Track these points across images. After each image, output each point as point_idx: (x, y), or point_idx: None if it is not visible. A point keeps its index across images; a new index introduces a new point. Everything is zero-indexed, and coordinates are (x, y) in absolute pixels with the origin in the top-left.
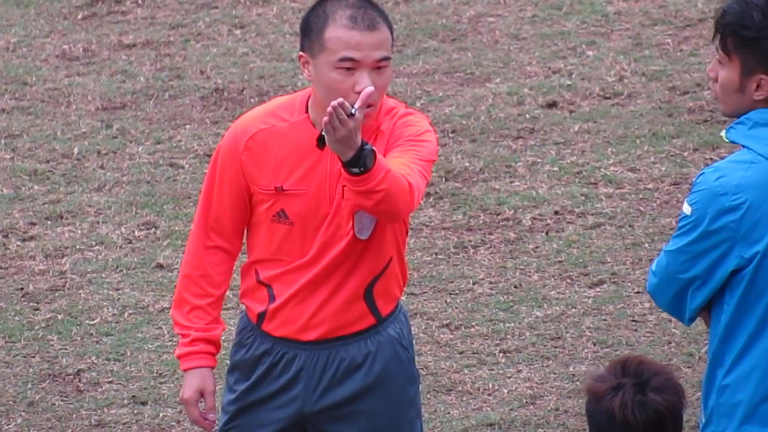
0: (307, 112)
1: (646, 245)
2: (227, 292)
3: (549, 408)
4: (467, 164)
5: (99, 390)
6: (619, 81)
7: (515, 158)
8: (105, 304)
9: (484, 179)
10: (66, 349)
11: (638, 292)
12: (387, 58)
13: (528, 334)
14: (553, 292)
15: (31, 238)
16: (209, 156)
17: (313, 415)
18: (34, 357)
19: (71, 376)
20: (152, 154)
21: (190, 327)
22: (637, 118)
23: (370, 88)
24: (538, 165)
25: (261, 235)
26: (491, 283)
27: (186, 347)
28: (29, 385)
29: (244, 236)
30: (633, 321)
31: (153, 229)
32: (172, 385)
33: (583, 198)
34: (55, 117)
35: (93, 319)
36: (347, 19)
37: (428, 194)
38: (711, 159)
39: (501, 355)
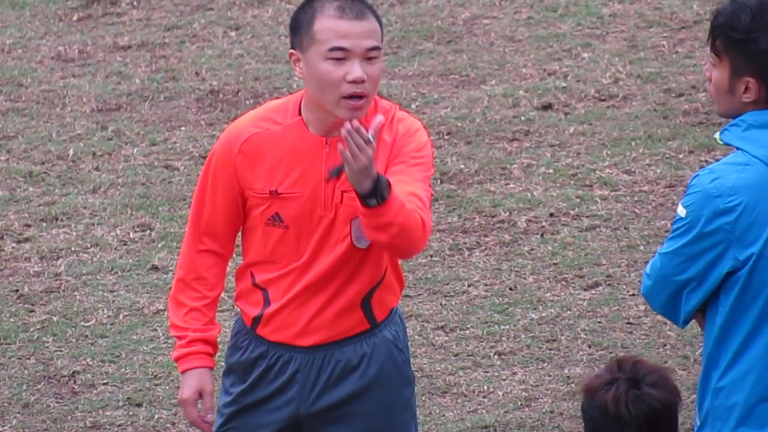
0: (300, 114)
1: (642, 247)
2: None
3: (544, 410)
4: (462, 166)
5: (94, 392)
6: (614, 83)
7: (510, 160)
8: (100, 305)
9: (479, 181)
10: (61, 350)
11: (633, 295)
12: (377, 48)
13: (523, 336)
14: (548, 294)
15: (26, 239)
16: (204, 158)
17: (309, 417)
18: (29, 359)
19: (66, 378)
20: (147, 156)
21: (187, 328)
22: (633, 120)
23: (381, 117)
24: (534, 167)
25: (256, 239)
26: (486, 285)
27: (184, 348)
28: (24, 387)
29: (237, 239)
30: (628, 323)
31: (148, 231)
32: (167, 387)
33: (578, 200)
34: (50, 118)
35: (88, 321)
36: (335, 9)
37: None
38: (706, 161)
39: (496, 357)
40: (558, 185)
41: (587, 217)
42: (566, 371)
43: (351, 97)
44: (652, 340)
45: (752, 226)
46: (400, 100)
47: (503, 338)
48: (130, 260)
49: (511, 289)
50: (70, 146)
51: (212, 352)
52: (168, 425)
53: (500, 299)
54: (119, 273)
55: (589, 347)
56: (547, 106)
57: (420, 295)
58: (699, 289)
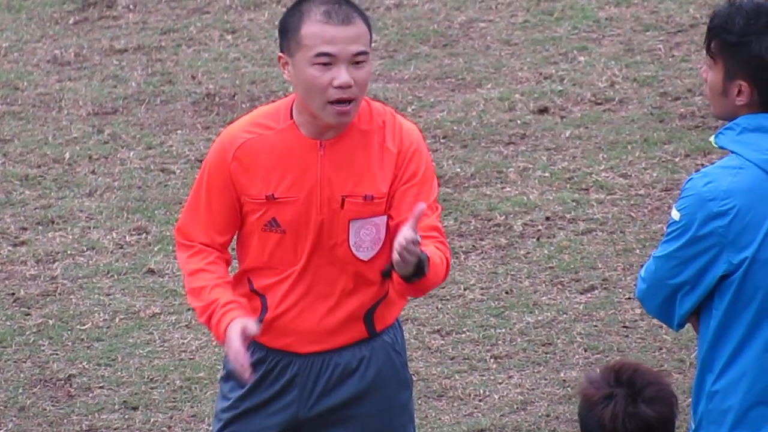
0: (292, 118)
1: (638, 251)
2: None
3: (540, 414)
4: (458, 170)
5: (90, 395)
6: (610, 87)
7: (506, 164)
8: (96, 309)
9: (475, 185)
10: (57, 354)
11: (629, 298)
12: (364, 53)
13: (519, 339)
14: (544, 297)
15: (22, 243)
16: (200, 161)
17: (308, 420)
18: (25, 362)
19: (62, 381)
20: (143, 160)
21: (215, 300)
22: (629, 123)
23: (423, 205)
24: (530, 171)
25: (252, 244)
26: (482, 288)
27: (219, 311)
28: (20, 390)
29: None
30: (624, 327)
31: (144, 235)
32: (163, 391)
33: (574, 204)
34: (46, 122)
35: (84, 325)
36: (321, 14)
37: None
38: (702, 165)
39: (492, 360)
40: (554, 189)
41: (583, 220)
42: (562, 375)
43: (338, 102)
44: (648, 344)
45: (746, 229)
46: (396, 103)
47: (499, 342)
48: (126, 263)
49: (507, 292)
50: (66, 149)
51: (250, 313)
52: (164, 429)
53: (496, 303)
54: (115, 276)
55: (585, 351)
56: (543, 110)
57: (416, 298)
58: (693, 292)
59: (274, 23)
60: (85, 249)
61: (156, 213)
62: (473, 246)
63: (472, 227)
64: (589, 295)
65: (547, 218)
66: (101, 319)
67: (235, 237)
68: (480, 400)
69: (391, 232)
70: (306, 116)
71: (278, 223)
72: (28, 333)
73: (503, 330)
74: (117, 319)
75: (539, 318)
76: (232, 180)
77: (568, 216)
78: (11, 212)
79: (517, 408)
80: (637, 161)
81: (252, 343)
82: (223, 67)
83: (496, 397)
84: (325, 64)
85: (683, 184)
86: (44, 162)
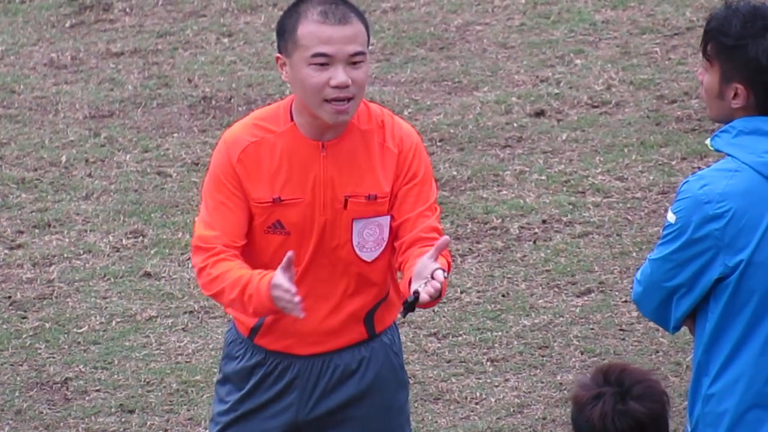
0: (292, 119)
1: (634, 254)
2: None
3: (536, 417)
4: (455, 173)
5: (86, 398)
6: (606, 90)
7: (503, 167)
8: (92, 312)
9: (471, 188)
10: (53, 357)
11: (626, 301)
12: (361, 53)
13: (515, 342)
14: (540, 300)
15: (19, 246)
16: (197, 164)
17: (308, 423)
18: (21, 365)
19: (59, 385)
20: (140, 163)
21: (245, 274)
22: (625, 126)
23: (447, 238)
24: (526, 174)
25: (254, 246)
26: (479, 291)
27: (255, 278)
28: (17, 394)
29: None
30: (620, 330)
31: (141, 238)
32: (159, 394)
33: (570, 207)
34: (42, 125)
35: (80, 328)
36: (318, 14)
37: None
38: (699, 168)
39: (488, 363)
40: (550, 192)
41: (580, 223)
42: (559, 378)
43: (335, 100)
44: (644, 347)
45: (741, 232)
46: (392, 106)
47: (496, 345)
48: (123, 267)
49: (503, 295)
50: (62, 153)
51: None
52: None
53: (493, 306)
54: (112, 279)
55: (582, 354)
56: (540, 113)
57: None
58: (689, 295)
59: (270, 26)
60: (81, 252)
61: (152, 216)
62: (470, 249)
63: (468, 230)
64: (585, 298)
65: (544, 221)
66: (98, 323)
67: None
68: (476, 403)
69: (392, 233)
70: (306, 117)
71: (282, 225)
72: (24, 336)
73: (500, 333)
74: (113, 323)
75: (536, 321)
76: (239, 181)
77: (564, 219)
78: (8, 215)
79: (514, 411)
80: (633, 164)
81: (249, 346)
82: (220, 70)
83: (493, 400)
84: (322, 65)
85: (679, 187)
86: (41, 165)
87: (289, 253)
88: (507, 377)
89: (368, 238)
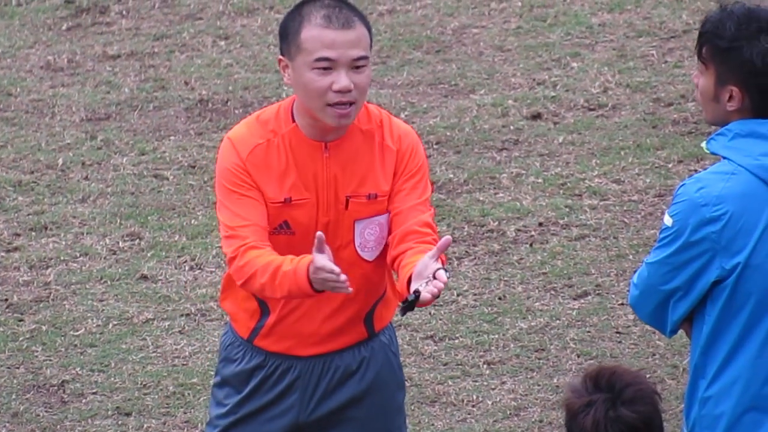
0: (293, 121)
1: (631, 257)
2: (211, 303)
3: (533, 420)
4: (451, 176)
5: (83, 401)
6: (603, 92)
7: (499, 170)
8: (89, 315)
9: (468, 191)
10: (50, 360)
11: (622, 304)
12: (364, 57)
13: (512, 345)
14: (537, 303)
15: (16, 249)
16: (193, 167)
17: (309, 424)
18: (18, 368)
19: (55, 387)
20: (136, 165)
21: (277, 258)
22: (622, 129)
23: (449, 238)
24: (523, 176)
25: None
26: (475, 294)
27: (288, 260)
28: (13, 396)
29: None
30: (617, 333)
31: (137, 241)
32: (156, 397)
33: (567, 209)
34: (39, 128)
35: (77, 330)
36: (322, 18)
37: None
38: (695, 170)
39: (485, 366)
40: (547, 195)
41: (576, 226)
42: (555, 380)
43: (338, 104)
44: (641, 350)
45: (738, 235)
46: (389, 109)
47: (492, 347)
48: (119, 269)
49: (500, 298)
50: (59, 156)
51: None
52: None
53: (489, 309)
54: (108, 282)
55: (578, 357)
56: (536, 116)
57: None
58: (686, 298)
59: (266, 29)
60: (78, 255)
61: (149, 219)
62: (466, 252)
63: (465, 233)
64: (582, 301)
65: (540, 224)
66: (94, 325)
67: None
68: (473, 406)
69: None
70: (307, 119)
71: (289, 225)
72: (21, 339)
73: (496, 336)
74: (110, 325)
75: (532, 324)
76: (253, 177)
77: (561, 222)
78: (4, 218)
79: (510, 414)
80: (630, 167)
81: (248, 349)
82: (216, 73)
83: (489, 402)
84: (324, 69)
85: (675, 190)
86: (37, 168)
87: (319, 233)
88: (503, 380)
89: (369, 238)
